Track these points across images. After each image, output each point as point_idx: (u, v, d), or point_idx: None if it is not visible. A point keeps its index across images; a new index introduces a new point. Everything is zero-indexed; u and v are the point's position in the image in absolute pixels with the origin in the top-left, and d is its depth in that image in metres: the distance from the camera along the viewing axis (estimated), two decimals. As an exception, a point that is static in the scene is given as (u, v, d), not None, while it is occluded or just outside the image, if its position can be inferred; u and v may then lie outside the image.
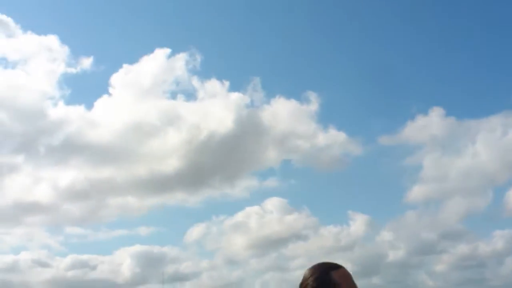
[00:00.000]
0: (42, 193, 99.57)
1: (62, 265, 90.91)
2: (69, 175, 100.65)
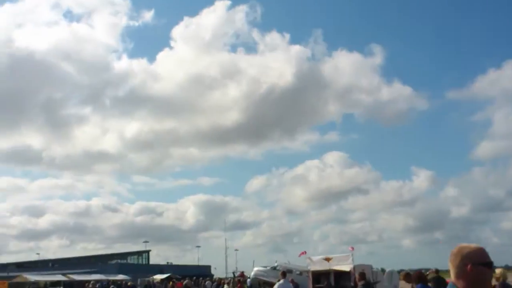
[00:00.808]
0: (110, 143, 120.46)
1: (131, 211, 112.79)
2: (134, 126, 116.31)
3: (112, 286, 44.79)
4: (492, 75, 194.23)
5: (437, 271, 21.80)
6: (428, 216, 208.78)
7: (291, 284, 15.64)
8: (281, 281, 15.88)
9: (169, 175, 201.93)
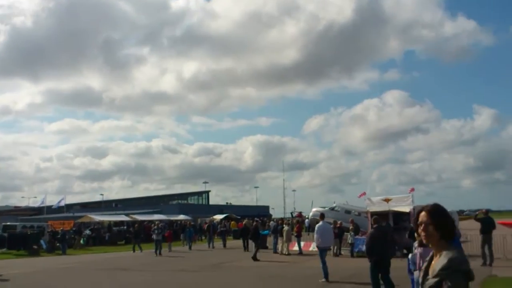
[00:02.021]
0: (168, 84, 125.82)
1: (190, 152, 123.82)
2: (192, 66, 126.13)
3: (174, 224, 46.54)
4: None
5: (487, 212, 21.43)
6: (489, 156, 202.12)
7: (330, 225, 15.96)
8: (320, 222, 16.18)
9: (227, 116, 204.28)
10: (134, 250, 30.81)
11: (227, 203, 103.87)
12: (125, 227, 47.24)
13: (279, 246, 26.66)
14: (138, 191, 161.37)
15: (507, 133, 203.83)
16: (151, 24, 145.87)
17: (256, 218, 41.14)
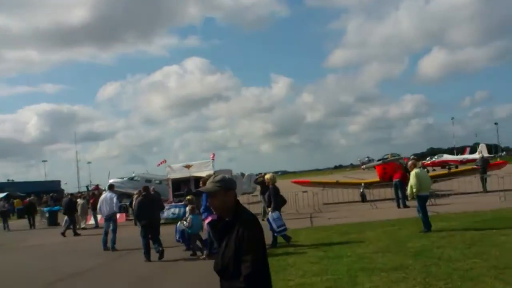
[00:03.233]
0: None
1: None
2: None
3: None
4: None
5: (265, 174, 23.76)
6: (285, 122, 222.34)
7: (115, 194, 16.15)
8: (105, 193, 16.37)
9: (4, 81, 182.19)
10: None
11: (8, 180, 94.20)
12: None
13: (78, 221, 25.35)
14: None
15: (301, 100, 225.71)
16: None
17: (32, 195, 38.39)
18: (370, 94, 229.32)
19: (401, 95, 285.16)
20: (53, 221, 29.19)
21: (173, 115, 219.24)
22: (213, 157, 27.07)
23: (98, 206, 16.49)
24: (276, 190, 13.19)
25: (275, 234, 12.63)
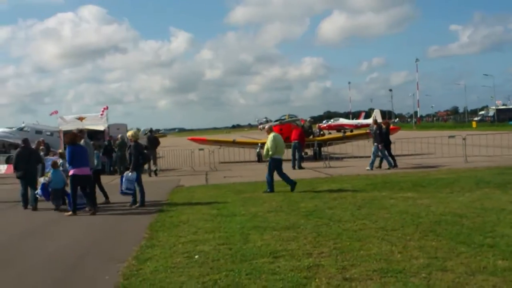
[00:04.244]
0: None
1: None
2: None
3: None
4: None
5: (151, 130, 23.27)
6: (184, 78, 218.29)
7: None
8: None
9: None
10: None
11: None
12: None
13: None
14: None
15: (200, 57, 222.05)
16: None
17: None
18: (270, 55, 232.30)
19: (301, 57, 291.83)
20: None
21: (67, 64, 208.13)
22: (103, 111, 25.70)
23: None
24: (138, 148, 12.69)
25: (120, 192, 12.54)
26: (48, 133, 29.50)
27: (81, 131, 13.79)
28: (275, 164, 13.49)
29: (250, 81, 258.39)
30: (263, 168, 21.08)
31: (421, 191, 11.78)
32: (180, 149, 24.95)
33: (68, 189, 12.14)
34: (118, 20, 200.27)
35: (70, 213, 11.63)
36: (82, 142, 12.57)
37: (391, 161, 18.47)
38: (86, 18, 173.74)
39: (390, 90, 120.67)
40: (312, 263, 6.10)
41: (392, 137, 19.68)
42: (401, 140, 21.83)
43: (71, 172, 11.62)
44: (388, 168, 17.95)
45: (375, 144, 18.54)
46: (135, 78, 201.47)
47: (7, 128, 35.66)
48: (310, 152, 25.28)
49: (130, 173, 12.22)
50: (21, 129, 32.32)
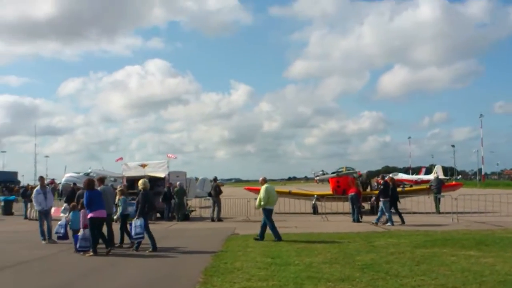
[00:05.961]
0: None
1: None
2: None
3: None
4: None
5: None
6: (243, 129, 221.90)
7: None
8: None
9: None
10: None
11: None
12: None
13: (28, 211, 25.70)
14: None
15: (259, 109, 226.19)
16: None
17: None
18: (328, 108, 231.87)
19: (359, 111, 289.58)
20: (8, 210, 29.31)
21: (132, 115, 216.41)
22: (173, 156, 26.94)
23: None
24: (145, 196, 12.92)
25: (131, 239, 12.96)
26: (112, 179, 30.65)
27: (100, 178, 14.34)
28: (266, 214, 14.26)
29: (307, 134, 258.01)
30: (319, 220, 20.93)
31: (484, 249, 11.24)
32: (236, 198, 25.16)
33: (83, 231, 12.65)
34: (182, 73, 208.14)
35: (91, 253, 12.06)
36: (100, 187, 13.34)
37: (392, 218, 18.36)
38: (152, 71, 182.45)
39: (453, 146, 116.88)
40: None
41: (454, 194, 19.07)
42: (463, 197, 21.04)
43: (89, 216, 12.20)
44: (386, 224, 18.09)
45: (382, 199, 18.65)
46: (195, 128, 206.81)
47: (74, 172, 37.60)
48: (367, 206, 24.81)
49: (136, 219, 12.61)
50: (87, 174, 33.83)
